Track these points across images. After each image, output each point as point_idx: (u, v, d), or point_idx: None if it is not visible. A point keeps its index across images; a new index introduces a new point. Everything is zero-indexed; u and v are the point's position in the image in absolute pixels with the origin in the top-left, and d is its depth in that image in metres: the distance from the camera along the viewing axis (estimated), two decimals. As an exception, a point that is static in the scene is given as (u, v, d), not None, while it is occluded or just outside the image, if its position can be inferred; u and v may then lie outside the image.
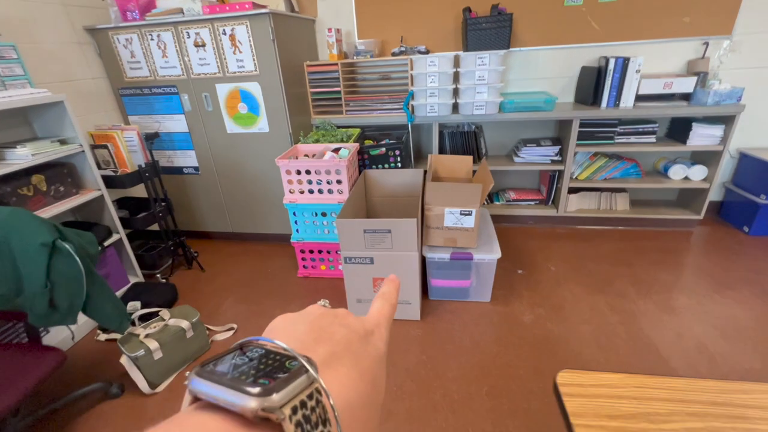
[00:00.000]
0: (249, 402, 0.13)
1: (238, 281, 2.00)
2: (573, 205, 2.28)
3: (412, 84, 2.03)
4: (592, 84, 2.03)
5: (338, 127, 2.16)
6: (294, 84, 1.98)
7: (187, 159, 2.15)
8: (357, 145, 1.87)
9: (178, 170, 2.20)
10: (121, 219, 1.85)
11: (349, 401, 0.17)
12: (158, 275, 2.01)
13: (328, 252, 1.90)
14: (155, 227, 2.01)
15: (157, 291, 1.81)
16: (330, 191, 1.75)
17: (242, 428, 0.13)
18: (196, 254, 2.19)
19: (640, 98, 1.99)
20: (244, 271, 2.09)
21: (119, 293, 1.79)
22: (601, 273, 1.86)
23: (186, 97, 1.98)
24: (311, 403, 0.14)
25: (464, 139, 2.24)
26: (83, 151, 1.63)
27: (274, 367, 0.15)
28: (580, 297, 1.71)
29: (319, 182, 1.74)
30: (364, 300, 1.62)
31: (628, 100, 1.97)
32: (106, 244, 1.74)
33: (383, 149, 1.96)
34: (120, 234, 1.82)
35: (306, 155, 1.92)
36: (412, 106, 2.07)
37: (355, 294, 1.62)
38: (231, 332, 1.61)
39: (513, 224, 2.39)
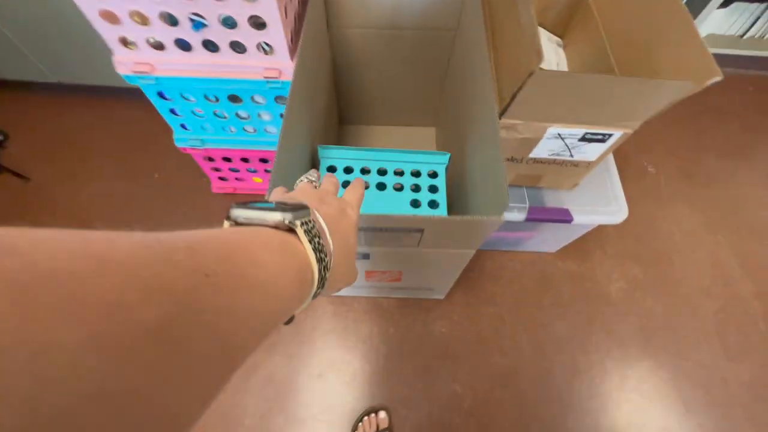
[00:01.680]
0: (278, 216, 0.20)
1: (100, 200, 1.09)
2: (705, 28, 1.25)
3: None
4: None
5: None
6: None
7: None
8: None
9: None
10: None
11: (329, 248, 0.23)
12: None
13: (263, 161, 0.95)
14: None
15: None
16: (237, 47, 0.64)
17: (275, 232, 0.20)
18: (0, 139, 1.13)
19: None
20: (106, 173, 1.13)
21: None
22: (729, 178, 1.14)
23: None
24: (311, 224, 0.21)
25: None
26: None
27: (285, 206, 0.21)
28: (695, 235, 1.05)
29: (198, 24, 0.60)
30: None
31: None
32: None
33: None
34: None
35: None
36: None
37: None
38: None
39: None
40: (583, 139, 0.62)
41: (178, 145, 0.87)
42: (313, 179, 0.32)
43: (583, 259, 1.01)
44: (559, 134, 0.62)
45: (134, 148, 1.17)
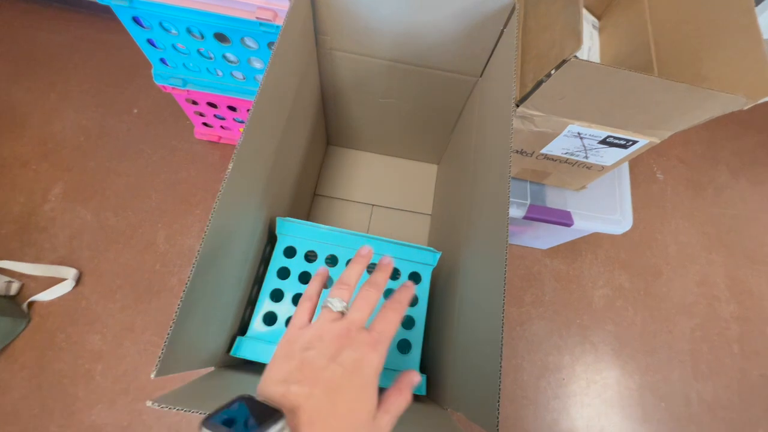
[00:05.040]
0: None
1: (74, 132, 1.00)
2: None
3: None
4: None
5: None
6: None
7: None
8: None
9: None
10: None
11: None
12: None
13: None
14: None
15: None
16: (227, -25, 0.54)
17: None
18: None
19: None
20: (82, 101, 1.03)
21: None
22: (737, 197, 1.10)
23: None
24: None
25: None
26: None
27: (260, 416, 0.19)
28: (689, 251, 1.03)
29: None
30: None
31: None
32: None
33: None
34: None
35: None
36: None
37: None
38: (69, 286, 0.84)
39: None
40: (604, 142, 0.56)
41: (157, 82, 0.78)
42: (339, 308, 0.25)
43: (573, 260, 0.99)
44: (579, 133, 0.55)
45: (114, 78, 1.06)
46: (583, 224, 0.71)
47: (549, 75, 0.45)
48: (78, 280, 0.86)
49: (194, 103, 0.86)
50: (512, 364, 0.88)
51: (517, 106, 0.52)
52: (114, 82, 1.06)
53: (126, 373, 0.80)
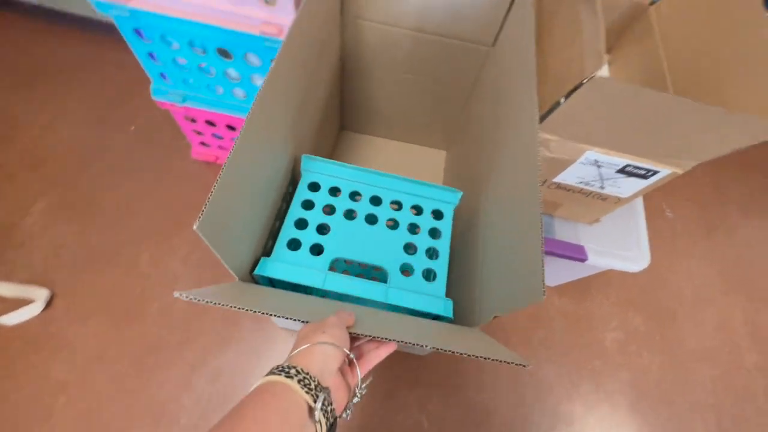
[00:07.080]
0: (311, 401, 0.26)
1: (69, 145, 0.97)
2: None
3: None
4: None
5: None
6: None
7: None
8: None
9: None
10: None
11: None
12: None
13: (253, 132, 0.84)
14: None
15: None
16: (233, -12, 0.53)
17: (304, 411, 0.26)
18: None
19: None
20: (79, 115, 1.01)
21: None
22: (752, 238, 1.06)
23: None
24: (326, 403, 0.27)
25: None
26: None
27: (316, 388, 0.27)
28: (705, 294, 0.97)
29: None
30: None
31: None
32: None
33: None
34: None
35: None
36: None
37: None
38: (37, 309, 0.78)
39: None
40: (623, 171, 0.53)
41: (155, 97, 0.75)
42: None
43: (582, 300, 0.93)
44: (596, 161, 0.52)
45: (114, 94, 1.05)
46: (598, 260, 0.66)
47: (568, 95, 0.42)
48: (49, 303, 0.79)
49: (193, 120, 0.83)
50: (519, 414, 0.80)
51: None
52: (113, 99, 1.04)
53: (90, 409, 0.71)
